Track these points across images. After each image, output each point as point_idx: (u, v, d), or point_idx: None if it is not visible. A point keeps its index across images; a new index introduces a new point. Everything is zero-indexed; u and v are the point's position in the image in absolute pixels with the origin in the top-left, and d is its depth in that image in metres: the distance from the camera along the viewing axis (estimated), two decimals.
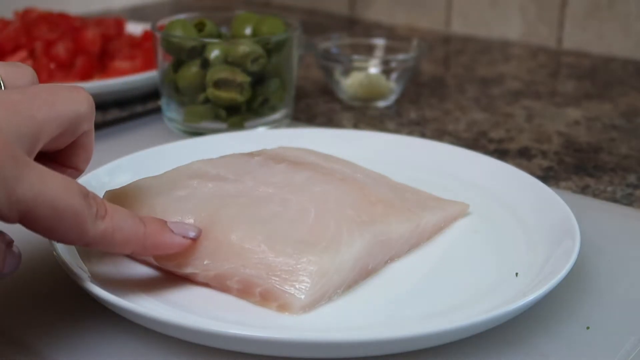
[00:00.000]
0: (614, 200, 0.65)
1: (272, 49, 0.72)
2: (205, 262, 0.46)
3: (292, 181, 0.52)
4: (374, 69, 0.86)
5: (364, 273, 0.48)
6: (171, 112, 0.74)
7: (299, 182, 0.52)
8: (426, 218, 0.53)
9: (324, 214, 0.49)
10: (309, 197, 0.50)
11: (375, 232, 0.49)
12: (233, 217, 0.47)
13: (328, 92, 0.90)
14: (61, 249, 0.47)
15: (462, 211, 0.57)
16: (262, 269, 0.45)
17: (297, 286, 0.44)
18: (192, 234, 0.45)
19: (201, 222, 0.47)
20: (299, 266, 0.44)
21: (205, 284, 0.47)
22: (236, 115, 0.72)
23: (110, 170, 0.58)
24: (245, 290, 0.45)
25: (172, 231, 0.44)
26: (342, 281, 0.46)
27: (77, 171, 0.45)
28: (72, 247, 0.49)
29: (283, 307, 0.44)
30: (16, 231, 0.55)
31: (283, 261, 0.45)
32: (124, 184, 0.53)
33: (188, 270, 0.46)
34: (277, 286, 0.44)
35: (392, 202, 0.53)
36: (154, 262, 0.48)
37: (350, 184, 0.53)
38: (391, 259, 0.51)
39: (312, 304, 0.45)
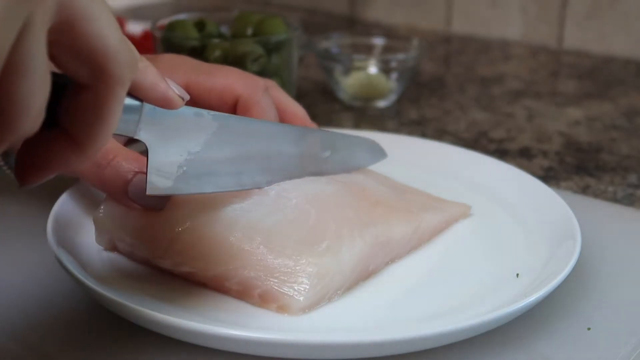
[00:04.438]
0: (615, 200, 0.64)
1: (273, 49, 0.72)
2: (203, 263, 0.46)
3: (292, 182, 0.52)
4: (374, 68, 0.85)
5: (364, 274, 0.48)
6: None
7: (300, 183, 0.52)
8: (427, 219, 0.53)
9: (324, 215, 0.49)
10: (309, 198, 0.50)
11: (375, 233, 0.49)
12: (232, 217, 0.47)
13: (328, 92, 0.90)
14: (61, 250, 0.46)
15: (463, 212, 0.57)
16: (261, 270, 0.44)
17: (296, 287, 0.44)
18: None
19: (200, 223, 0.47)
20: (298, 267, 0.44)
21: (204, 284, 0.47)
22: None
23: None
24: (244, 292, 0.45)
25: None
26: (342, 282, 0.46)
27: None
28: (71, 249, 0.48)
29: (282, 308, 0.44)
30: (17, 233, 0.55)
31: (282, 262, 0.44)
32: None
33: (186, 269, 0.46)
34: (276, 287, 0.44)
35: (392, 203, 0.53)
36: (154, 262, 0.47)
37: (351, 185, 0.53)
38: (392, 260, 0.51)
39: (312, 306, 0.45)
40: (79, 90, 0.33)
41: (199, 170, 0.45)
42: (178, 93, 0.40)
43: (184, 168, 0.45)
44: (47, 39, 0.30)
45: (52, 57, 0.31)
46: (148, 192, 0.43)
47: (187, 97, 0.41)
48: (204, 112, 0.45)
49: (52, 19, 0.30)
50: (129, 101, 0.39)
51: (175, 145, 0.44)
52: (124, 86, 0.33)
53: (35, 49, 0.29)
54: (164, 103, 0.39)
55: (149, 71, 0.38)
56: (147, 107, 0.40)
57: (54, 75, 0.32)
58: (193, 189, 0.45)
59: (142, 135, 0.41)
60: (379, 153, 0.60)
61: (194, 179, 0.45)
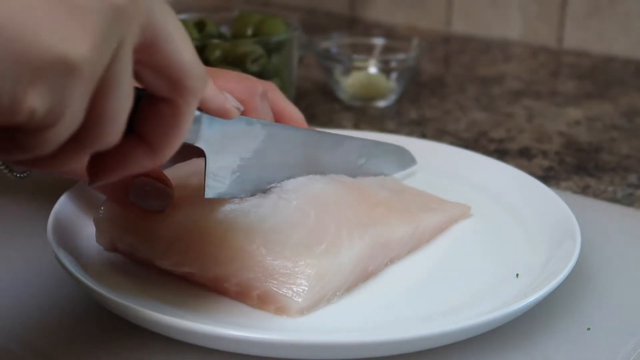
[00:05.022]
0: (615, 200, 0.64)
1: (273, 49, 0.72)
2: (203, 263, 0.46)
3: (291, 183, 0.51)
4: (374, 68, 0.85)
5: (363, 275, 0.48)
6: None
7: (299, 183, 0.51)
8: (426, 219, 0.53)
9: (323, 216, 0.48)
10: (309, 199, 0.49)
11: (375, 234, 0.49)
12: (232, 218, 0.47)
13: (328, 92, 0.90)
14: (61, 250, 0.46)
15: (463, 213, 0.57)
16: (260, 271, 0.44)
17: (294, 289, 0.44)
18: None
19: (200, 224, 0.47)
20: (297, 269, 0.44)
21: (204, 285, 0.46)
22: None
23: None
24: (243, 293, 0.45)
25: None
26: (341, 284, 0.46)
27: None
28: (71, 249, 0.48)
29: (280, 310, 0.44)
30: (17, 233, 0.55)
31: (281, 264, 0.44)
32: None
33: (185, 270, 0.46)
34: (275, 289, 0.44)
35: (392, 203, 0.53)
36: (154, 262, 0.47)
37: (350, 185, 0.53)
38: (391, 260, 0.51)
39: (310, 307, 0.44)
40: (155, 102, 0.35)
41: (250, 175, 0.48)
42: (234, 104, 0.42)
43: (238, 173, 0.47)
44: (132, 58, 0.32)
45: (134, 73, 0.34)
46: (206, 196, 0.46)
47: (242, 108, 0.44)
48: (254, 121, 0.48)
49: (137, 39, 0.32)
50: None
51: (229, 152, 0.46)
52: (198, 98, 0.36)
53: (124, 67, 0.31)
54: (222, 113, 0.42)
55: (209, 84, 0.40)
56: (206, 116, 0.43)
57: None
58: (244, 193, 0.48)
59: (201, 143, 0.44)
60: (409, 160, 0.63)
61: (246, 184, 0.48)
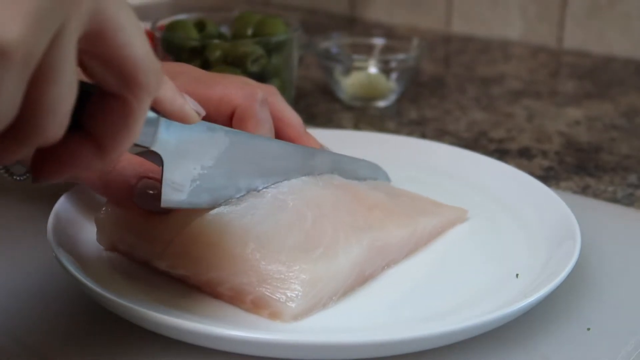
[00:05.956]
0: (615, 200, 0.64)
1: (273, 49, 0.72)
2: (197, 267, 0.45)
3: (288, 185, 0.51)
4: (374, 68, 0.85)
5: (360, 279, 0.48)
6: None
7: (296, 186, 0.51)
8: (423, 223, 0.53)
9: (320, 219, 0.48)
10: (306, 202, 0.49)
11: (372, 237, 0.48)
12: (227, 221, 0.47)
13: (328, 92, 0.90)
14: (61, 250, 0.46)
15: (460, 217, 0.57)
16: (254, 276, 0.44)
17: (288, 294, 0.43)
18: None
19: (196, 226, 0.46)
20: (291, 274, 0.44)
21: (199, 288, 0.46)
22: None
23: None
24: (237, 297, 0.45)
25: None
26: (337, 289, 0.46)
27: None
28: (71, 249, 0.48)
29: (274, 315, 0.44)
30: (17, 233, 0.55)
31: (275, 269, 0.44)
32: None
33: (180, 272, 0.46)
34: (268, 294, 0.44)
35: (389, 207, 0.52)
36: (152, 263, 0.47)
37: (346, 188, 0.53)
38: (388, 264, 0.50)
39: (305, 312, 0.44)
40: (105, 98, 0.33)
41: (211, 185, 0.46)
42: (194, 108, 0.41)
43: (198, 182, 0.45)
44: (77, 47, 0.30)
45: (81, 65, 0.32)
46: (163, 205, 0.44)
47: (203, 112, 0.42)
48: (217, 127, 0.46)
49: (84, 27, 0.30)
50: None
51: (189, 159, 0.44)
52: (151, 95, 0.34)
53: (66, 55, 0.29)
54: (180, 117, 0.40)
55: (167, 85, 0.39)
56: (163, 120, 0.41)
57: (79, 81, 0.32)
58: (205, 203, 0.46)
59: (157, 147, 0.42)
60: (383, 178, 0.61)
61: (206, 193, 0.46)
